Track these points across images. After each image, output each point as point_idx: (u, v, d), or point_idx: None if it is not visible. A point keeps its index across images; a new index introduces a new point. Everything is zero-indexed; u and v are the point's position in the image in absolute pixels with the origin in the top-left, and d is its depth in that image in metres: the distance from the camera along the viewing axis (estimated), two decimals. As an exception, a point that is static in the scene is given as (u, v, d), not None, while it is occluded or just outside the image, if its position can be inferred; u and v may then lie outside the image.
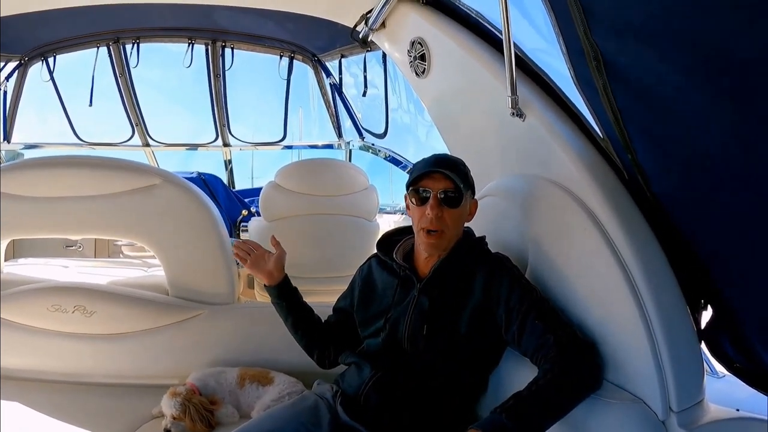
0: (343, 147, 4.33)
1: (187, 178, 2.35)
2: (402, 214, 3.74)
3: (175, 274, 2.03)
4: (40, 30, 3.26)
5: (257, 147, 4.44)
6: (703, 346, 1.22)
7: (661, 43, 0.91)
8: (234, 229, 3.63)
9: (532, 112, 1.45)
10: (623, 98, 1.08)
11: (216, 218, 2.04)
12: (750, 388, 1.18)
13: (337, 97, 4.05)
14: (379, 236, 1.52)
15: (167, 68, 4.35)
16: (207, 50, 3.76)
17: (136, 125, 4.03)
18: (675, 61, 0.91)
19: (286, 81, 3.97)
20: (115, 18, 3.25)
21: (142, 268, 3.04)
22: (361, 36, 2.30)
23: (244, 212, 3.69)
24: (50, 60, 3.63)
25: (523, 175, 1.55)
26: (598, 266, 1.22)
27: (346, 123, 4.20)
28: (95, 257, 3.77)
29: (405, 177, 1.61)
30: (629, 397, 1.14)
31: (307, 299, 1.59)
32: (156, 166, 4.06)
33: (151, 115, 4.06)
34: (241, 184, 4.53)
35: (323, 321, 1.57)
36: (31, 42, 3.45)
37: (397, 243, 1.46)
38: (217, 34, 3.65)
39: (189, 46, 3.67)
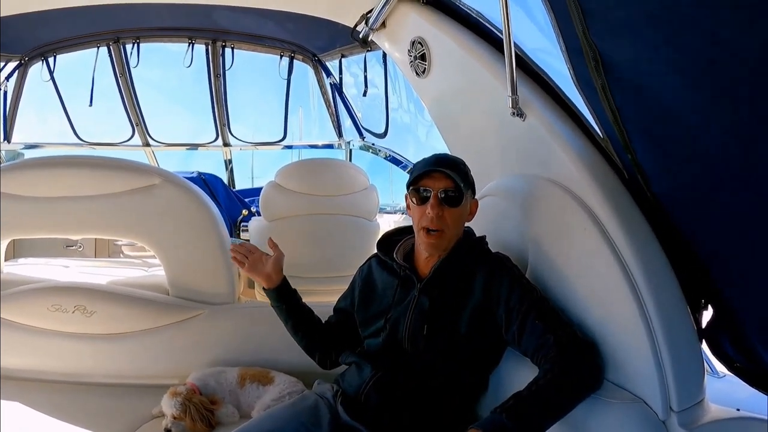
0: (344, 147, 4.33)
1: (187, 177, 2.35)
2: (402, 213, 3.74)
3: (175, 273, 2.03)
4: (40, 30, 3.26)
5: (257, 147, 4.44)
6: (703, 345, 1.22)
7: (660, 43, 0.91)
8: (234, 228, 3.63)
9: (533, 112, 1.45)
10: (622, 98, 1.08)
11: (216, 218, 2.04)
12: (750, 387, 1.18)
13: (338, 97, 4.05)
14: (380, 236, 1.52)
15: (167, 68, 4.35)
16: (207, 50, 3.76)
17: (137, 125, 4.03)
18: (674, 60, 0.90)
19: (286, 81, 3.97)
20: (116, 18, 3.25)
21: (142, 268, 3.04)
22: (361, 36, 2.30)
23: (245, 212, 3.70)
24: (50, 60, 3.63)
25: (524, 174, 1.55)
26: (598, 266, 1.22)
27: (347, 123, 4.20)
28: (95, 257, 3.77)
29: (405, 177, 1.61)
30: (629, 397, 1.14)
31: (307, 299, 1.59)
32: (156, 165, 4.06)
33: (152, 114, 4.06)
34: (241, 184, 4.53)
35: (324, 321, 1.57)
36: (31, 42, 3.45)
37: (397, 243, 1.46)
38: (217, 34, 3.65)
39: (189, 45, 3.67)
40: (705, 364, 1.20)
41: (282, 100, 4.12)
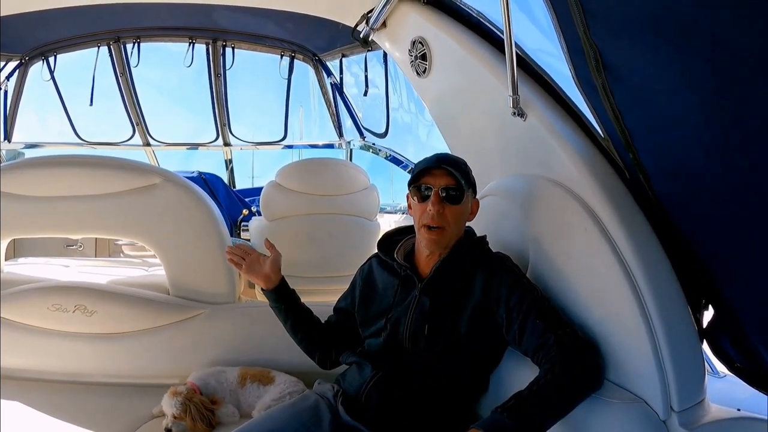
0: (344, 146, 4.33)
1: (187, 177, 2.35)
2: (403, 213, 3.74)
3: (175, 273, 2.03)
4: (40, 30, 3.27)
5: (258, 146, 4.44)
6: (704, 345, 1.22)
7: (661, 43, 0.91)
8: (235, 228, 3.64)
9: (533, 112, 1.45)
10: (623, 98, 1.08)
11: (217, 218, 2.04)
12: (751, 387, 1.18)
13: (338, 97, 4.05)
14: (380, 236, 1.52)
15: (168, 68, 4.35)
16: (207, 50, 3.76)
17: (137, 125, 4.03)
18: (674, 60, 0.90)
19: (286, 80, 3.97)
20: (116, 17, 3.25)
21: (142, 267, 3.04)
22: (362, 35, 2.30)
23: (245, 212, 3.71)
24: (51, 60, 3.64)
25: (524, 174, 1.55)
26: (598, 266, 1.22)
27: (347, 122, 4.20)
28: (96, 257, 3.78)
29: (406, 177, 1.61)
30: (630, 397, 1.14)
31: (308, 299, 1.58)
32: (157, 165, 4.06)
33: (152, 114, 4.07)
34: (241, 184, 4.54)
35: (324, 321, 1.57)
36: (32, 42, 3.46)
37: (397, 243, 1.46)
38: (217, 33, 3.65)
39: (189, 45, 3.67)
40: (706, 364, 1.20)
41: (282, 99, 4.13)
